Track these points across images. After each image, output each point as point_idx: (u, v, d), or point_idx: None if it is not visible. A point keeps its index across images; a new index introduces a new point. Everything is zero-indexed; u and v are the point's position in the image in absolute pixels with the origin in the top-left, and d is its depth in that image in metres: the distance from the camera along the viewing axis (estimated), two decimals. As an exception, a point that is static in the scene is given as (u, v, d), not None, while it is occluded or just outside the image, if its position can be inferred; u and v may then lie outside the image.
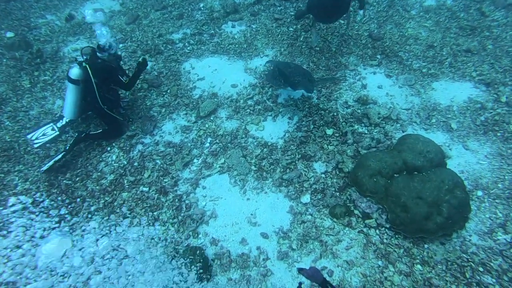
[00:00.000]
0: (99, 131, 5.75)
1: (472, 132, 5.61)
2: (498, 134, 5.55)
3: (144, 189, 5.23)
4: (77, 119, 5.87)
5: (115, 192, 5.21)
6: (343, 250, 4.49)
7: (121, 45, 7.37)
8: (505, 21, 7.40)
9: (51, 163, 5.28)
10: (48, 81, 6.80)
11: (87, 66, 5.22)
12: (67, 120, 5.85)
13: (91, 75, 5.22)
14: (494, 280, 4.13)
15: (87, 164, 5.55)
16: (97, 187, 5.28)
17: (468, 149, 5.42)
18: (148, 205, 5.03)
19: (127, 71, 6.05)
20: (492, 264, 4.26)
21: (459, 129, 5.66)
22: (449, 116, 5.82)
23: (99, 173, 5.44)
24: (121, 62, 5.93)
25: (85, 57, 5.36)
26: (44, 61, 7.11)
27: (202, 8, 8.14)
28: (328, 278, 4.17)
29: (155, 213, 4.95)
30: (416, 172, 4.69)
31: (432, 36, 7.12)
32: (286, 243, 4.60)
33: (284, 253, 4.50)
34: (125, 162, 5.54)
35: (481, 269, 4.23)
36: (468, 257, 4.34)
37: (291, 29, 7.46)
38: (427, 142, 4.88)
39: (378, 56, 6.78)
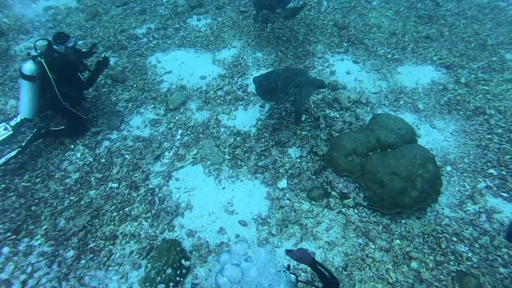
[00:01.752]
0: (61, 127, 5.36)
1: (438, 112, 5.82)
2: (461, 112, 5.79)
3: (114, 185, 4.93)
4: (34, 118, 5.41)
5: (81, 190, 4.87)
6: (323, 231, 4.45)
7: (80, 41, 7.00)
8: (457, 10, 7.82)
9: (2, 160, 4.84)
10: (-2, 81, 6.30)
11: (42, 60, 4.85)
12: (22, 118, 5.28)
13: (47, 70, 4.86)
14: (467, 248, 4.26)
15: (48, 164, 5.16)
16: (60, 187, 4.91)
17: (435, 127, 5.60)
18: (118, 201, 4.74)
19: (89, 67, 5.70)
20: (464, 233, 4.39)
21: (425, 109, 5.85)
22: (416, 98, 6.01)
23: (62, 173, 5.07)
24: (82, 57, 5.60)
25: (39, 51, 4.95)
26: (-8, 60, 6.60)
27: (165, 3, 7.95)
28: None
29: (126, 209, 4.66)
30: (389, 149, 4.76)
31: (393, 24, 7.38)
32: (266, 229, 4.49)
33: (264, 239, 4.38)
34: (91, 159, 5.22)
35: (454, 239, 4.34)
36: (442, 228, 4.44)
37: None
38: (398, 119, 4.99)
39: (345, 44, 6.91)
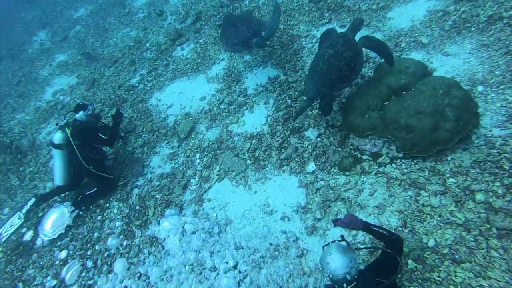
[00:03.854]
0: (93, 190, 5.60)
1: (446, 38, 5.35)
2: (473, 29, 5.28)
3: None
4: (67, 185, 5.62)
5: (126, 241, 4.97)
6: (368, 197, 4.13)
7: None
8: None
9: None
10: (33, 171, 6.81)
11: (66, 129, 5.20)
12: (30, 204, 5.49)
13: (70, 138, 5.18)
14: (535, 158, 3.72)
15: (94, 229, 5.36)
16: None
17: (449, 54, 5.14)
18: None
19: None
20: (526, 145, 3.86)
21: (431, 41, 5.41)
22: (416, 34, 5.60)
23: (108, 231, 5.23)
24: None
25: (65, 120, 5.34)
26: (24, 155, 7.15)
27: (149, 47, 8.29)
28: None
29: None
30: (404, 92, 4.41)
31: (368, -25, 7.07)
32: (310, 217, 4.26)
33: (312, 226, 4.15)
34: (127, 210, 5.34)
35: (516, 155, 3.83)
36: (498, 150, 3.94)
37: (236, 27, 7.52)
38: (402, 59, 4.65)
39: (326, 14, 6.71)
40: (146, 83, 7.41)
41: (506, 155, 3.87)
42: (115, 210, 5.46)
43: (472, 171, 3.89)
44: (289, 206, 4.46)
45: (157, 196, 5.36)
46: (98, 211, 5.55)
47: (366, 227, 2.90)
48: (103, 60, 8.84)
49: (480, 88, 4.60)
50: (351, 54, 4.19)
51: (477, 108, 4.25)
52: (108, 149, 6.27)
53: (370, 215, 3.98)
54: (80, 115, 5.35)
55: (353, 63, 4.19)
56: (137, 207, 5.33)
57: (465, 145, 4.13)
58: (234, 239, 4.42)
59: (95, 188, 5.61)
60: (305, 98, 4.58)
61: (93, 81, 8.16)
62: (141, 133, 6.39)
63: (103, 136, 5.50)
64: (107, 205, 5.60)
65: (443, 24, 5.55)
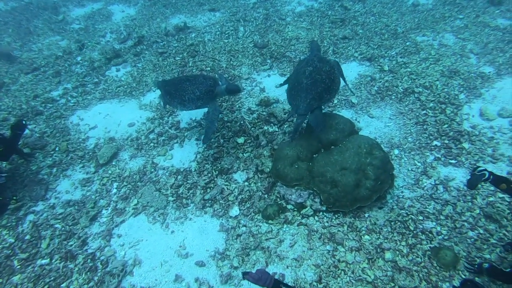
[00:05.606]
0: None
1: (372, 101, 5.88)
2: (393, 97, 5.90)
3: (44, 261, 4.25)
4: None
5: (0, 280, 4.13)
6: (287, 248, 4.06)
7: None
8: (364, 10, 8.32)
9: None
10: None
11: None
12: None
13: None
14: (434, 223, 4.09)
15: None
16: (-28, 286, 4.13)
17: (373, 116, 5.61)
18: (52, 278, 4.06)
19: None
20: (428, 209, 4.24)
21: (360, 102, 5.89)
22: (348, 94, 6.05)
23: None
24: None
25: None
26: None
27: (80, 61, 7.65)
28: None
29: (62, 286, 3.98)
30: (333, 146, 4.61)
31: (310, 33, 7.62)
32: (226, 264, 4.01)
33: (227, 275, 3.90)
34: (12, 240, 4.51)
35: (420, 217, 4.17)
36: (406, 211, 4.26)
37: (177, 58, 7.36)
38: (333, 115, 4.91)
39: (268, 61, 6.96)
40: (69, 98, 6.69)
41: (412, 216, 4.20)
42: (-5, 239, 4.58)
43: (385, 230, 4.11)
44: (206, 251, 4.17)
45: (57, 225, 4.64)
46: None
47: (276, 286, 2.78)
48: (20, 64, 7.88)
49: (396, 151, 5.05)
50: (328, 68, 4.47)
51: (393, 170, 4.60)
52: (4, 164, 5.38)
53: (287, 267, 3.89)
54: None
55: (332, 75, 4.45)
56: (27, 237, 4.54)
57: (380, 204, 4.39)
58: (141, 282, 3.95)
59: None
60: (295, 115, 4.57)
61: (1, 85, 7.14)
62: (52, 152, 5.62)
63: None
64: (-14, 232, 4.67)
65: (370, 88, 6.11)
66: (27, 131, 5.52)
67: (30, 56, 8.16)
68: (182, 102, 4.75)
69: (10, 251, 4.38)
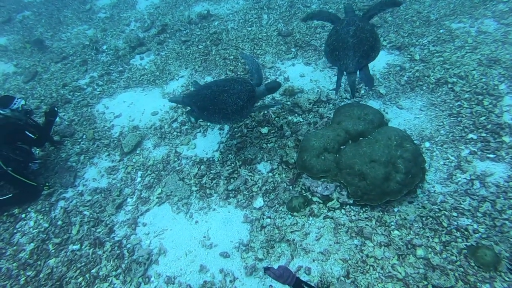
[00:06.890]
0: (7, 196, 4.81)
1: (401, 92, 5.62)
2: (424, 87, 5.62)
3: (75, 247, 4.36)
4: None
5: (38, 262, 4.25)
6: (313, 242, 3.97)
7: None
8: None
9: None
10: None
11: None
12: None
13: None
14: (470, 220, 3.87)
15: (-4, 243, 4.54)
16: (13, 264, 4.27)
17: (402, 108, 5.37)
18: (83, 263, 4.15)
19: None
20: (462, 205, 4.02)
21: (388, 93, 5.65)
22: (375, 84, 5.82)
23: (14, 247, 4.45)
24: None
25: None
26: None
27: (106, 50, 7.74)
28: (307, 277, 3.64)
29: (92, 271, 4.06)
30: (361, 138, 4.44)
31: (337, 21, 7.36)
32: (251, 256, 3.97)
33: (252, 267, 3.86)
34: (47, 225, 4.64)
35: (454, 214, 3.96)
36: (439, 206, 4.06)
37: (200, 46, 7.30)
38: (362, 106, 4.73)
39: (293, 49, 6.79)
40: (95, 87, 6.79)
41: (445, 212, 3.99)
42: (31, 223, 4.72)
43: (415, 225, 3.94)
44: (230, 242, 4.14)
45: (85, 212, 4.74)
46: (8, 222, 4.76)
47: (297, 284, 2.69)
48: (51, 53, 8.05)
49: (427, 144, 4.81)
50: (369, 26, 4.43)
51: (424, 163, 4.39)
52: (37, 151, 5.53)
53: (314, 261, 3.81)
54: (5, 110, 4.76)
55: (374, 34, 4.41)
56: (59, 223, 4.66)
57: (410, 198, 4.21)
58: (166, 271, 3.97)
59: (10, 194, 4.83)
60: (345, 73, 4.55)
61: (34, 74, 7.33)
62: (80, 140, 5.74)
63: (30, 135, 4.82)
64: (23, 215, 4.83)
65: (400, 78, 5.84)
66: (57, 118, 5.64)
67: (60, 45, 8.34)
68: (225, 116, 4.23)
69: (45, 235, 4.53)
